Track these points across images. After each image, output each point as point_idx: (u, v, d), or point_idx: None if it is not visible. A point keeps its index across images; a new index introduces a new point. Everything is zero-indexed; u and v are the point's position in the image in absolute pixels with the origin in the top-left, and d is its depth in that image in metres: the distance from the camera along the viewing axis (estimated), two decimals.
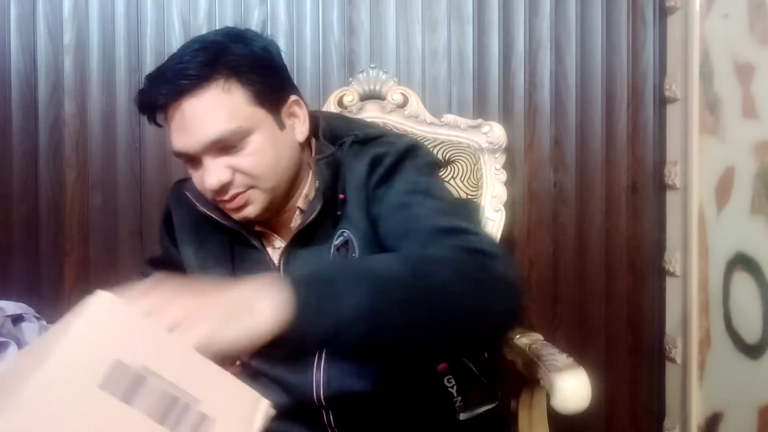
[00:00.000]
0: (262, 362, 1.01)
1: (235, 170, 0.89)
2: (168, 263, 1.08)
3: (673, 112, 1.56)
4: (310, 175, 0.99)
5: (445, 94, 1.59)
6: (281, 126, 0.93)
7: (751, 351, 1.32)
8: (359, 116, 1.38)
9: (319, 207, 0.93)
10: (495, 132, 1.42)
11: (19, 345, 1.25)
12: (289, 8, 1.58)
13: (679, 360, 1.54)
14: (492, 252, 0.76)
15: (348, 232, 0.95)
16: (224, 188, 0.90)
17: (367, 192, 0.94)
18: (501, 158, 1.42)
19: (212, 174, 0.88)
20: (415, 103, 1.45)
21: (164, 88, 0.88)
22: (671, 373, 1.59)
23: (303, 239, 0.96)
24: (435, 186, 0.93)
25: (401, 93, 1.45)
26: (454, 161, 1.36)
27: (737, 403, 1.36)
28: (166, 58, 0.92)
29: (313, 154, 1.00)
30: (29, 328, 1.32)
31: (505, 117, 1.58)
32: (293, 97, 0.96)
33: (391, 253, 0.78)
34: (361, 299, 0.65)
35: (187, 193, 0.99)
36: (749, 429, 1.31)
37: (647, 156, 1.61)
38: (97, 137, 1.60)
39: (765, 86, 1.27)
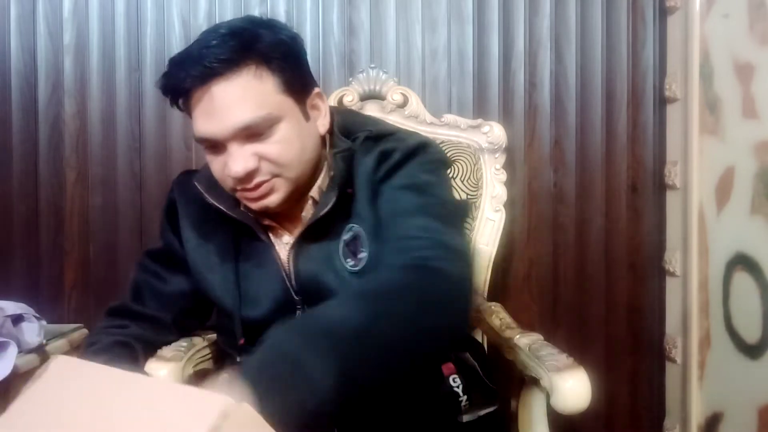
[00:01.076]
0: None
1: (261, 158, 0.88)
2: (169, 256, 1.06)
3: (673, 112, 1.56)
4: (325, 167, 0.99)
5: (445, 94, 1.59)
6: (306, 117, 0.93)
7: (751, 351, 1.32)
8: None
9: (333, 200, 0.93)
10: (495, 132, 1.42)
11: (19, 345, 1.25)
12: (289, 8, 1.59)
13: (679, 360, 1.53)
14: (445, 270, 0.78)
15: (357, 226, 0.94)
16: (249, 176, 0.88)
17: (374, 186, 0.94)
18: (501, 158, 1.42)
19: (238, 161, 0.87)
20: (415, 103, 1.45)
21: (194, 70, 0.85)
22: (671, 373, 1.59)
23: (313, 233, 0.95)
24: (432, 183, 0.93)
25: (401, 93, 1.45)
26: (454, 161, 1.36)
27: (737, 403, 1.36)
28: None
29: (328, 148, 1.00)
30: (29, 328, 1.32)
31: (505, 117, 1.58)
32: (317, 90, 0.96)
33: (345, 297, 0.76)
34: (330, 368, 0.63)
35: (196, 183, 0.98)
36: (749, 429, 1.31)
37: (647, 156, 1.61)
38: (97, 137, 1.60)
39: (765, 86, 1.27)
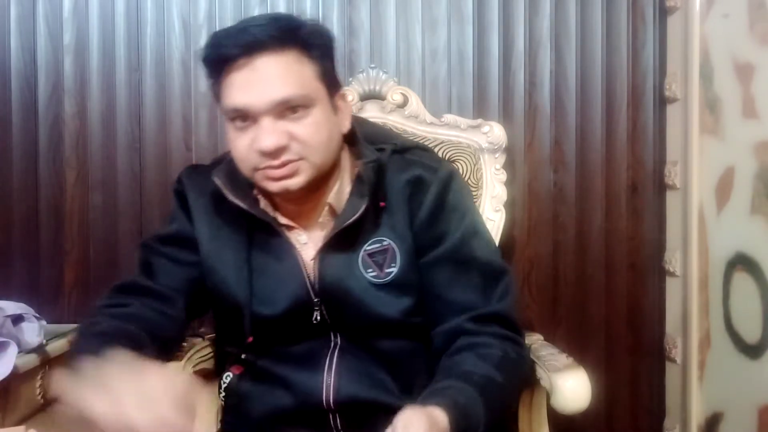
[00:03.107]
0: (270, 362, 1.01)
1: (291, 137, 0.90)
2: (181, 240, 1.04)
3: (673, 112, 1.56)
4: (344, 173, 1.00)
5: (445, 94, 1.59)
6: (335, 110, 0.96)
7: (751, 351, 1.32)
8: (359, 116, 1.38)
9: (362, 209, 0.94)
10: (495, 132, 1.41)
11: (19, 345, 1.25)
12: (290, 8, 1.58)
13: (679, 360, 1.53)
14: (527, 359, 1.00)
15: (390, 241, 0.97)
16: (277, 152, 0.89)
17: (412, 213, 0.98)
18: (501, 158, 1.42)
19: (271, 135, 0.88)
20: (415, 103, 1.45)
21: (242, 40, 0.88)
22: (671, 373, 1.59)
23: (338, 240, 0.96)
24: (482, 237, 1.01)
25: (401, 93, 1.45)
26: (454, 161, 1.36)
27: (737, 403, 1.36)
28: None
29: (346, 154, 1.01)
30: (29, 328, 1.32)
31: (505, 117, 1.58)
32: (342, 91, 1.00)
33: (473, 384, 0.86)
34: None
35: (214, 178, 0.97)
36: (749, 429, 1.31)
37: (647, 156, 1.61)
38: (97, 137, 1.60)
39: (765, 86, 1.27)
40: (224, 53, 0.90)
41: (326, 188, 0.98)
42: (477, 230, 1.00)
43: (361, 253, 0.97)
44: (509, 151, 1.47)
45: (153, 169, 1.60)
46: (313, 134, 0.91)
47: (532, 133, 1.60)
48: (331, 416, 0.98)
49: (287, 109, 0.89)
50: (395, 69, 1.58)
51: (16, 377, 1.24)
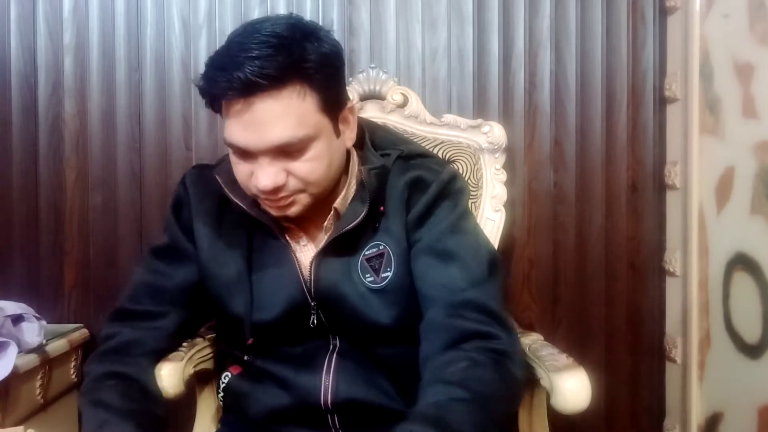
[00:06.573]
0: (270, 363, 1.01)
1: (289, 173, 0.89)
2: (173, 251, 1.04)
3: (673, 112, 1.56)
4: (351, 179, 0.99)
5: (445, 94, 1.59)
6: (337, 133, 0.93)
7: (751, 351, 1.32)
8: (359, 116, 1.37)
9: (362, 215, 0.94)
10: (495, 132, 1.41)
11: (19, 345, 1.25)
12: (289, 8, 1.58)
13: (679, 360, 1.54)
14: (512, 353, 0.89)
15: (385, 246, 0.97)
16: (275, 190, 0.89)
17: (408, 213, 0.97)
18: (501, 158, 1.42)
19: (269, 175, 0.87)
20: (415, 103, 1.45)
21: (237, 82, 0.82)
22: (671, 373, 1.59)
23: (337, 244, 0.96)
24: (468, 235, 0.98)
25: (401, 93, 1.45)
26: (454, 161, 1.36)
27: (737, 403, 1.36)
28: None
29: (358, 162, 1.00)
30: (29, 328, 1.32)
31: (505, 117, 1.58)
32: (349, 104, 0.96)
33: (457, 396, 0.81)
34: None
35: (216, 176, 0.97)
36: (749, 429, 1.31)
37: (647, 156, 1.61)
38: (97, 137, 1.61)
39: (765, 86, 1.27)
40: (220, 93, 0.85)
41: (333, 194, 0.98)
42: (464, 228, 0.98)
43: (361, 258, 0.97)
44: (509, 151, 1.47)
45: (153, 169, 1.60)
46: (312, 170, 0.89)
47: (532, 133, 1.60)
48: (329, 416, 0.98)
49: (287, 149, 0.87)
50: (395, 69, 1.58)
51: (16, 377, 1.24)
